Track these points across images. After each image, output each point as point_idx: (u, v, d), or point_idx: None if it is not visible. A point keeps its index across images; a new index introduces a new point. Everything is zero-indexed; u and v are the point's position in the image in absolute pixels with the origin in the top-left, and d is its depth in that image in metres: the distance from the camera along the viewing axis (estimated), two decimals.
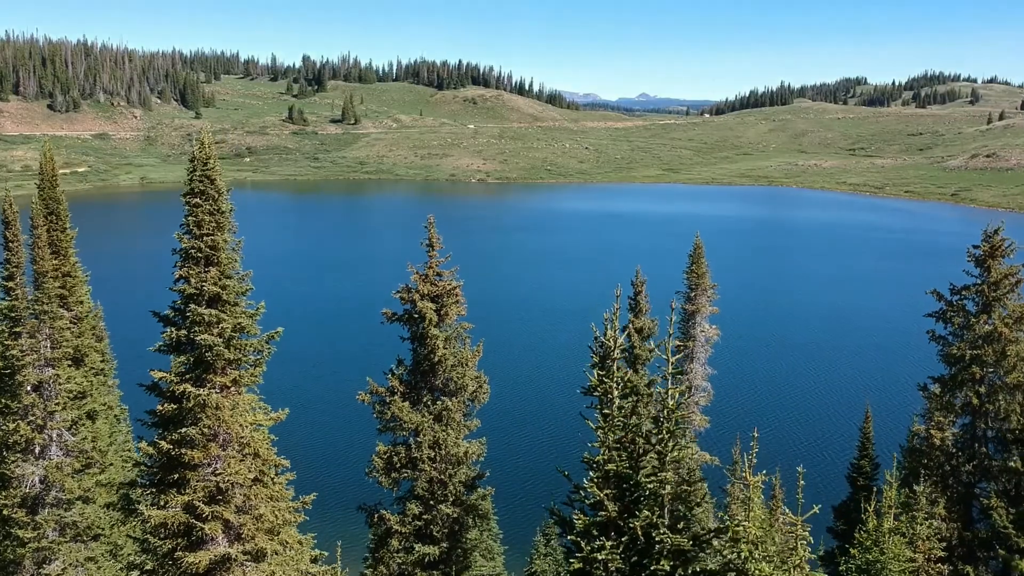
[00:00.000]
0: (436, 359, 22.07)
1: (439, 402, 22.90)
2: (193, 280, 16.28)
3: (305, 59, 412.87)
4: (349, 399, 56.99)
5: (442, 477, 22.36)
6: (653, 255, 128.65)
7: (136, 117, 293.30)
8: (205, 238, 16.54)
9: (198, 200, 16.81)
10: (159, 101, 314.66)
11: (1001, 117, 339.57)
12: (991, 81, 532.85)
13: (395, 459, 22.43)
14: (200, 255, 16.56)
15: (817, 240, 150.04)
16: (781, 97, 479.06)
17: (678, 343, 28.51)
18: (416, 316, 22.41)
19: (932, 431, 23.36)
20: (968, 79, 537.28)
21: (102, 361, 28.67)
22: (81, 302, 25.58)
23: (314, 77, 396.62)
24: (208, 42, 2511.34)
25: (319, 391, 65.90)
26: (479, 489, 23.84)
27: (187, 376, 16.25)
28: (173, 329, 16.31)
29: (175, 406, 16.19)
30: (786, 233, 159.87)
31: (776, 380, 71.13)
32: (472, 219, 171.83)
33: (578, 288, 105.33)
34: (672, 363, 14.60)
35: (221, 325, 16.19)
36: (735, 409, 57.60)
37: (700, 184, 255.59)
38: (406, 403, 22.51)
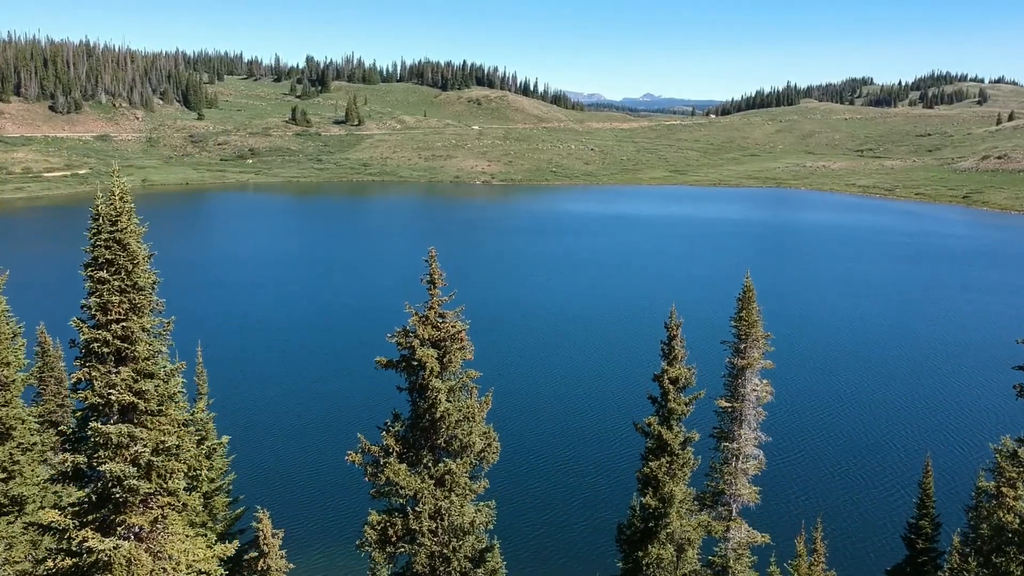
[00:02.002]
0: (438, 414, 19.18)
1: (441, 463, 20.01)
2: (97, 385, 11.72)
3: (309, 59, 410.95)
4: (344, 431, 52.21)
5: (445, 551, 19.51)
6: (667, 259, 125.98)
7: (138, 118, 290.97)
8: (113, 326, 12.22)
9: (103, 275, 12.40)
10: (161, 102, 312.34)
11: (1011, 118, 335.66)
12: (999, 81, 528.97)
13: (390, 530, 19.47)
14: (107, 350, 12.07)
15: (839, 245, 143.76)
16: (787, 97, 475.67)
17: (724, 403, 25.77)
18: (415, 364, 19.55)
19: (1004, 488, 20.54)
20: (975, 79, 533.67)
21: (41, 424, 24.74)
22: (8, 363, 20.61)
23: (318, 78, 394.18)
24: (212, 43, 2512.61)
25: (316, 417, 62.34)
26: (488, 562, 20.88)
27: (89, 519, 11.49)
28: (69, 455, 11.56)
29: (71, 562, 11.25)
30: (805, 238, 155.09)
31: (819, 415, 63.33)
32: (476, 221, 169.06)
33: (593, 297, 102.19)
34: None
35: (136, 447, 11.73)
36: (783, 470, 50.28)
37: (707, 186, 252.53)
38: (403, 465, 19.60)
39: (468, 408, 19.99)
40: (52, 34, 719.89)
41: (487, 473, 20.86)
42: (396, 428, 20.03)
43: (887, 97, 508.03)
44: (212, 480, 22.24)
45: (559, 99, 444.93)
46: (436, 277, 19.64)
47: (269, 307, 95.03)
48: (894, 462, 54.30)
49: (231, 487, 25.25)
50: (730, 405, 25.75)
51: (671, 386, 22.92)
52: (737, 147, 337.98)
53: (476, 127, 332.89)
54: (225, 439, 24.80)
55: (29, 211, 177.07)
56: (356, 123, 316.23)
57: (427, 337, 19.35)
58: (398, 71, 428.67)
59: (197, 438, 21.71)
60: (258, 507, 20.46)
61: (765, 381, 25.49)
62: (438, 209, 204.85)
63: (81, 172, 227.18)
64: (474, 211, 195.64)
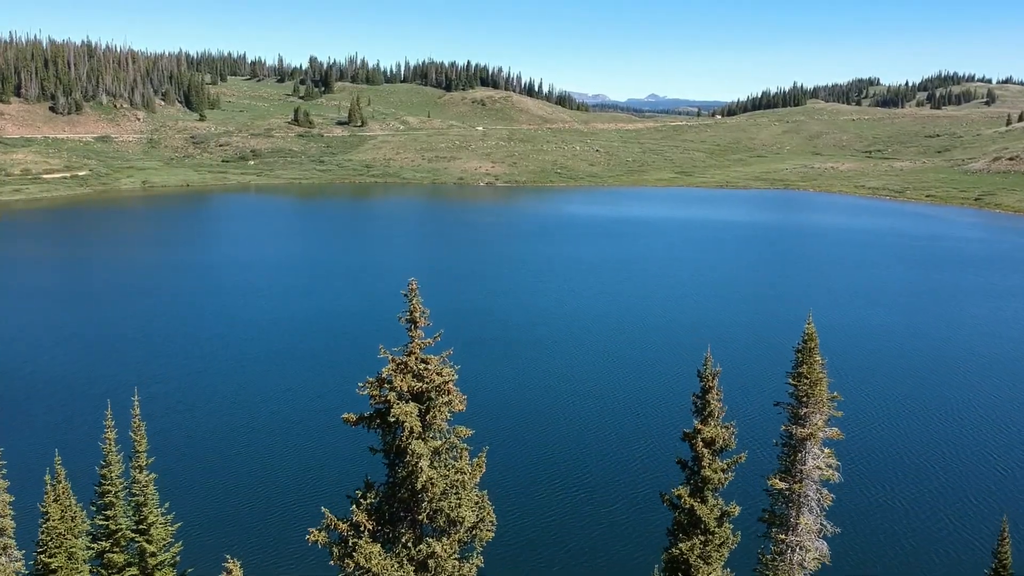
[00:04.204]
0: (419, 485, 15.89)
1: (424, 544, 16.66)
2: None
3: (312, 60, 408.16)
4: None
5: None
6: (680, 264, 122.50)
7: (139, 119, 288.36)
8: None
9: None
10: (163, 103, 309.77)
11: (1021, 118, 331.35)
12: (1006, 81, 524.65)
13: None
14: None
15: (855, 250, 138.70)
16: (794, 98, 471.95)
17: (778, 482, 20.87)
18: (392, 422, 16.36)
19: None
20: (983, 79, 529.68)
21: None
22: None
23: (321, 78, 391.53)
24: (215, 43, 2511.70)
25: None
26: None
27: None
28: None
29: None
30: (819, 242, 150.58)
31: (870, 459, 53.40)
32: (480, 224, 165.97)
33: (605, 304, 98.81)
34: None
35: None
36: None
37: (714, 187, 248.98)
38: (377, 546, 16.29)
39: (457, 475, 16.64)
40: (53, 34, 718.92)
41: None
42: (369, 500, 16.77)
43: (894, 98, 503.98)
44: (154, 555, 19.23)
45: (564, 100, 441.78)
46: (417, 315, 16.39)
47: (262, 324, 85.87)
48: (961, 524, 45.71)
49: (178, 559, 22.18)
50: (786, 486, 21.03)
51: (706, 449, 19.15)
52: (744, 148, 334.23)
53: (480, 128, 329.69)
54: (166, 506, 21.65)
55: (27, 213, 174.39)
56: (359, 124, 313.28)
57: (406, 389, 16.10)
58: (402, 71, 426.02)
59: (134, 503, 19.09)
60: None
61: (828, 451, 20.96)
62: (441, 211, 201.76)
63: (81, 174, 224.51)
64: (477, 214, 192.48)
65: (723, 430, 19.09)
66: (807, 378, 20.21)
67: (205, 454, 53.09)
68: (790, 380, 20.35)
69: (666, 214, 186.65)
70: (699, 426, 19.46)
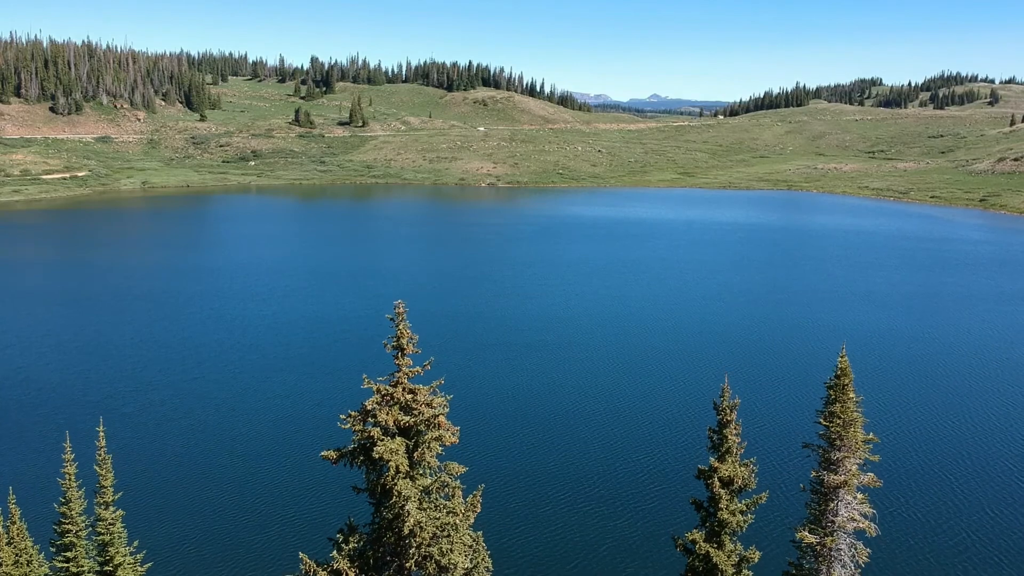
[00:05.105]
0: (406, 529, 14.42)
1: None
2: None
3: (313, 60, 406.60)
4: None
5: None
6: (687, 266, 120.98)
7: (139, 120, 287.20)
8: None
9: None
10: (163, 103, 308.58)
11: None
12: (1009, 81, 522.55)
13: None
14: None
15: (862, 252, 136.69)
16: (796, 98, 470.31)
17: (807, 536, 18.66)
18: (377, 459, 15.00)
19: None
20: (986, 79, 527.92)
21: None
22: None
23: (322, 79, 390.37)
24: (216, 43, 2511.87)
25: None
26: None
27: None
28: None
29: None
30: (825, 244, 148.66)
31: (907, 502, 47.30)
32: (481, 226, 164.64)
33: (614, 307, 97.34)
34: None
35: None
36: None
37: (717, 188, 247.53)
38: None
39: (448, 516, 15.10)
40: (54, 34, 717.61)
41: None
42: (352, 544, 15.36)
43: (897, 98, 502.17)
44: None
45: (566, 100, 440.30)
46: (404, 341, 14.94)
47: (249, 335, 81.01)
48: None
49: None
50: (816, 539, 18.75)
51: (723, 490, 17.43)
52: (746, 148, 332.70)
53: (482, 128, 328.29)
54: (135, 544, 20.28)
55: (25, 215, 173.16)
56: (360, 124, 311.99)
57: (392, 423, 14.71)
58: (403, 72, 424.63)
59: (99, 543, 17.76)
60: None
61: (862, 497, 18.53)
62: (442, 212, 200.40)
63: (80, 175, 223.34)
64: (479, 215, 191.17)
65: (742, 468, 17.38)
66: (840, 418, 18.03)
67: (178, 486, 48.48)
68: (821, 420, 18.23)
69: (669, 215, 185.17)
70: (716, 463, 17.68)
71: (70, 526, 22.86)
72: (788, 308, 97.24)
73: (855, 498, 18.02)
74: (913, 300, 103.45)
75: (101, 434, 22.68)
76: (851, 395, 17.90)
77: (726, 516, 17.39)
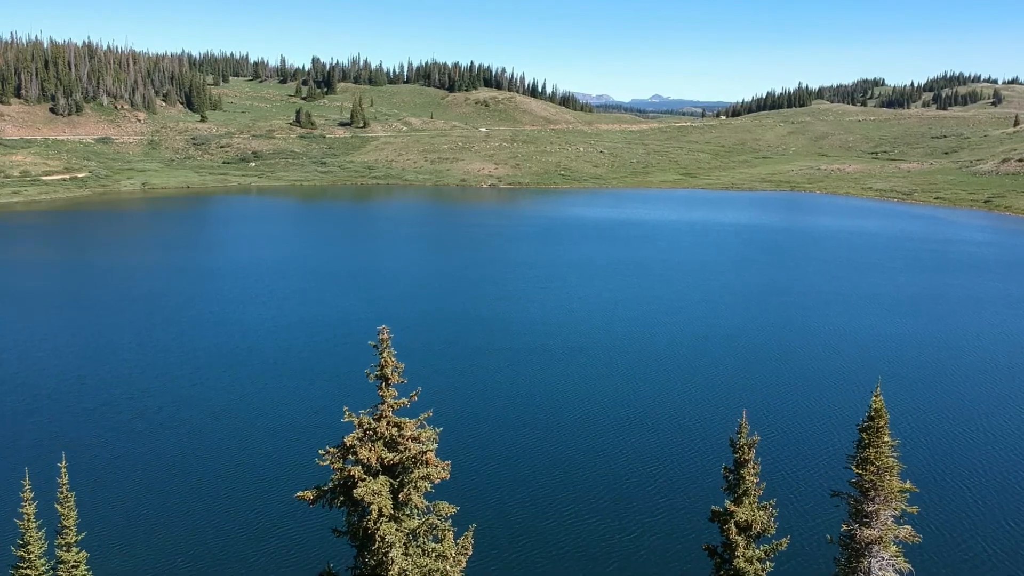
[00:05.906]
0: None
1: None
2: None
3: (315, 61, 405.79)
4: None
5: None
6: (693, 268, 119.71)
7: (140, 120, 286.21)
8: None
9: None
10: (164, 104, 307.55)
11: None
12: (1012, 81, 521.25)
13: None
14: None
15: (869, 254, 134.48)
16: (799, 99, 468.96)
17: None
18: (359, 501, 13.52)
19: None
20: (989, 80, 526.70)
21: None
22: None
23: (323, 79, 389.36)
24: (217, 44, 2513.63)
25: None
26: None
27: None
28: None
29: None
30: (830, 246, 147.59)
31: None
32: (482, 227, 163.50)
33: (618, 311, 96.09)
34: None
35: None
36: None
37: (720, 189, 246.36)
38: None
39: (436, 561, 13.54)
40: (54, 35, 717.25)
41: None
42: None
43: (900, 98, 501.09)
44: None
45: (567, 100, 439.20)
46: (389, 371, 13.54)
47: (237, 345, 77.18)
48: None
49: None
50: None
51: (740, 536, 15.91)
52: (749, 149, 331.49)
53: (483, 129, 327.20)
54: None
55: (25, 216, 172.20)
56: (361, 125, 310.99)
57: (375, 461, 13.32)
58: (405, 72, 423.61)
59: None
60: None
61: (896, 549, 16.46)
62: (443, 213, 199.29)
63: (80, 176, 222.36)
64: (480, 216, 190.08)
65: (761, 512, 15.86)
66: (874, 464, 16.17)
67: (148, 524, 43.98)
68: (853, 467, 16.44)
69: (672, 216, 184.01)
70: (731, 507, 16.12)
71: (28, 570, 21.18)
72: (793, 311, 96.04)
73: (889, 552, 16.23)
74: (937, 304, 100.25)
75: (63, 471, 21.16)
76: (886, 439, 16.16)
77: (743, 565, 15.94)
